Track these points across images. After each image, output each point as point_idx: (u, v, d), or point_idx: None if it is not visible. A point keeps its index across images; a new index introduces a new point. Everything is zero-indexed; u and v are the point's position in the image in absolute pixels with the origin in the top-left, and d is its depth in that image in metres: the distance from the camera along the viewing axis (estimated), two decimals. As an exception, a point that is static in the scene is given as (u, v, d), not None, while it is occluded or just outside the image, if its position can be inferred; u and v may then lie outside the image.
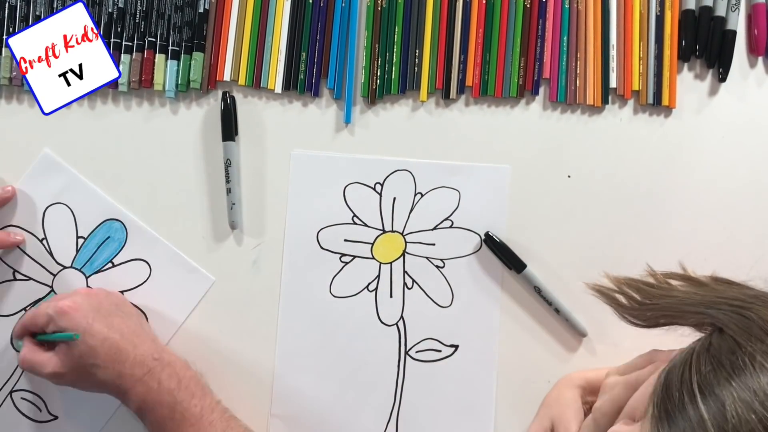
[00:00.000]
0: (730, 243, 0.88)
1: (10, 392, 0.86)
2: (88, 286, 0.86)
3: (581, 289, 0.86)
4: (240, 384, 0.87)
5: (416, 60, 0.88)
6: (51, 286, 0.86)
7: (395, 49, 0.88)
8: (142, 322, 0.84)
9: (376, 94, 0.88)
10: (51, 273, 0.86)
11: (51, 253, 0.86)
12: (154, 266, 0.87)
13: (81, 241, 0.87)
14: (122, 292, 0.86)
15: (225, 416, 0.79)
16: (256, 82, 0.87)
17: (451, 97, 0.88)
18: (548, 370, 0.87)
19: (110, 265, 0.87)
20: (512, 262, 0.86)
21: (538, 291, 0.86)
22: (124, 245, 0.87)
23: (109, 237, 0.87)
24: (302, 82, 0.87)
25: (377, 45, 0.88)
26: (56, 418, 0.86)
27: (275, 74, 0.87)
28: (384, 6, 0.88)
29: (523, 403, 0.87)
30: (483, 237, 0.87)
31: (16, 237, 0.85)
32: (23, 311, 0.86)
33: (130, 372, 0.76)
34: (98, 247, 0.87)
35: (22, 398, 0.86)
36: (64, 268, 0.86)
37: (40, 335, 0.79)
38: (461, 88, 0.88)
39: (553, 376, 0.87)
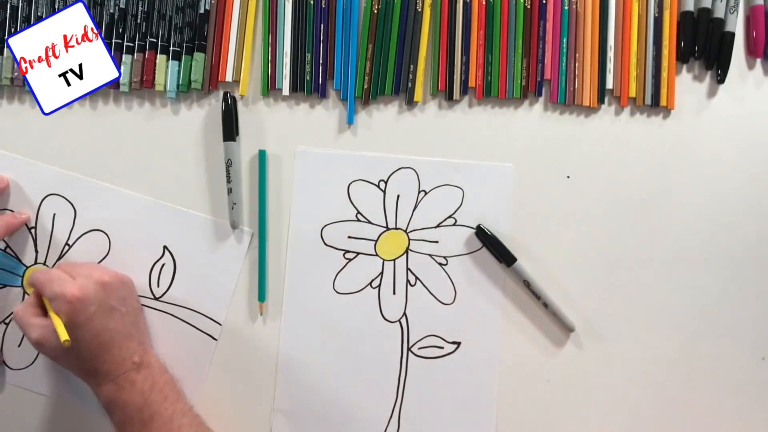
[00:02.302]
0: (730, 243, 0.90)
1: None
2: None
3: (575, 285, 0.89)
4: (243, 380, 0.88)
5: (411, 66, 0.88)
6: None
7: (390, 51, 0.88)
8: (138, 320, 0.84)
9: (369, 95, 0.88)
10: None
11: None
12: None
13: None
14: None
15: (195, 421, 0.81)
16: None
17: (454, 98, 0.88)
18: (548, 369, 0.89)
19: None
20: (503, 255, 0.88)
21: (527, 285, 0.88)
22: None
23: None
24: (308, 83, 0.87)
25: (371, 46, 0.87)
26: None
27: (281, 76, 0.88)
28: (380, 7, 0.88)
29: (524, 399, 0.89)
30: (474, 230, 0.88)
31: (21, 216, 0.86)
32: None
33: (105, 370, 0.77)
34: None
35: None
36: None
37: (46, 303, 0.79)
38: (464, 89, 0.89)
39: (553, 375, 0.89)
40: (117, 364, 0.78)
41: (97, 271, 0.81)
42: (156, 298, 0.87)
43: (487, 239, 0.88)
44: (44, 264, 0.86)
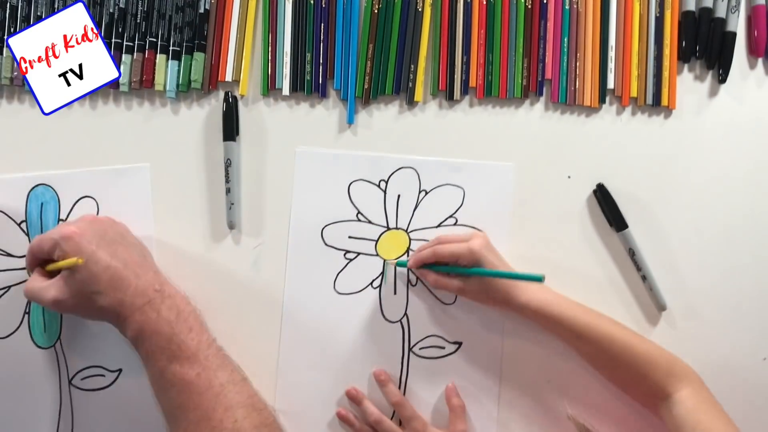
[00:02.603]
0: (730, 243, 0.90)
1: (69, 382, 0.87)
2: None
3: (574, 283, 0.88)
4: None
5: (411, 66, 0.88)
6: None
7: (391, 51, 0.88)
8: (145, 254, 0.83)
9: (369, 95, 0.88)
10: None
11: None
12: (97, 198, 0.87)
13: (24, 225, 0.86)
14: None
15: (220, 353, 0.79)
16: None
17: (455, 98, 0.88)
18: (549, 369, 0.89)
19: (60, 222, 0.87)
20: (615, 219, 0.88)
21: (631, 254, 0.88)
22: (59, 202, 0.86)
23: (42, 203, 0.86)
24: (309, 83, 0.87)
25: (371, 45, 0.87)
26: (121, 370, 0.87)
27: (281, 76, 0.87)
28: (380, 7, 0.88)
29: (526, 400, 0.88)
30: (594, 187, 0.89)
31: None
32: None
33: (130, 301, 0.76)
34: (40, 218, 0.86)
35: (82, 379, 0.87)
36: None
37: (49, 265, 0.78)
38: (465, 89, 0.88)
39: (553, 375, 0.89)
40: (139, 293, 0.76)
41: (86, 216, 0.81)
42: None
43: (605, 199, 0.88)
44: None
